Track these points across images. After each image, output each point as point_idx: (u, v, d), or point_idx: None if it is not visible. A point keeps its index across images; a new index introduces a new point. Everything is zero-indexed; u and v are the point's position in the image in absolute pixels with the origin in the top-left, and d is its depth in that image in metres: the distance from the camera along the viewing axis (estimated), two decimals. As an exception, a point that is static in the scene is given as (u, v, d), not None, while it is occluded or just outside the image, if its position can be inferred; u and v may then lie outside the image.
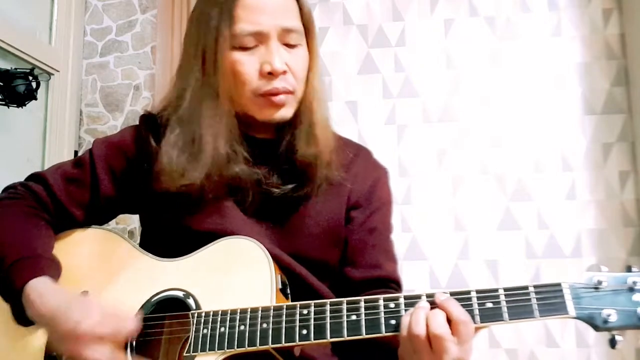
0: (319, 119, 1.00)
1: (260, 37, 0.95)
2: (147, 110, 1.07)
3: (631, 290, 0.73)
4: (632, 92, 1.96)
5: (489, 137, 2.03)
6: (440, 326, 0.73)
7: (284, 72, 0.95)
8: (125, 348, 0.86)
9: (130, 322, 0.82)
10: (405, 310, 0.78)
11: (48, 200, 1.00)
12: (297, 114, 1.00)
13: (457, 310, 0.74)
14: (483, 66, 2.07)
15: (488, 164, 2.02)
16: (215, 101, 0.95)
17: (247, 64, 0.95)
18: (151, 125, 1.03)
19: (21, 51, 1.87)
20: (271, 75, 0.94)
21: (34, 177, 1.03)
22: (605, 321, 0.73)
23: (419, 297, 0.78)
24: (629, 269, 0.75)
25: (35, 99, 1.78)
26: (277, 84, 0.95)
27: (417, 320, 0.74)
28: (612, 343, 0.73)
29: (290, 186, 0.97)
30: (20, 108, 1.74)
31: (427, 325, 0.74)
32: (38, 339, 0.91)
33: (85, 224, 1.02)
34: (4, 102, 1.71)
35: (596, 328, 0.73)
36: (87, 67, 2.20)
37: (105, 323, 0.80)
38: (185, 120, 0.96)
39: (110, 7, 2.22)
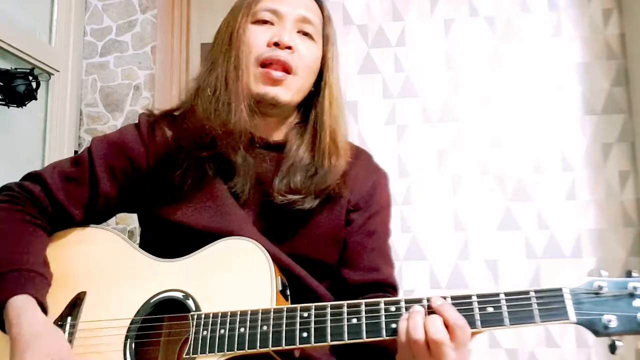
0: (330, 121, 1.01)
1: (277, 16, 1.01)
2: (148, 109, 1.08)
3: (631, 295, 0.73)
4: (632, 92, 1.96)
5: (489, 137, 2.03)
6: (438, 331, 0.73)
7: (290, 48, 0.99)
8: (125, 349, 0.86)
9: None
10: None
11: (46, 201, 0.98)
12: (310, 116, 1.02)
13: (454, 315, 0.75)
14: (483, 66, 2.07)
15: (488, 164, 2.02)
16: (237, 71, 0.99)
17: (260, 34, 1.01)
18: (152, 123, 1.03)
19: (21, 51, 1.86)
20: (277, 45, 0.98)
21: (31, 177, 1.01)
22: (606, 327, 0.72)
23: (420, 300, 0.78)
24: (629, 274, 0.74)
25: (35, 99, 1.77)
26: (280, 53, 0.98)
27: (415, 326, 0.74)
28: (612, 348, 0.72)
29: (291, 197, 0.96)
30: (20, 108, 1.74)
31: (425, 331, 0.74)
32: None
33: (84, 223, 1.01)
34: (4, 102, 1.71)
35: (596, 333, 0.73)
36: (87, 67, 2.20)
37: None
38: (212, 85, 0.99)
39: (110, 7, 2.22)
